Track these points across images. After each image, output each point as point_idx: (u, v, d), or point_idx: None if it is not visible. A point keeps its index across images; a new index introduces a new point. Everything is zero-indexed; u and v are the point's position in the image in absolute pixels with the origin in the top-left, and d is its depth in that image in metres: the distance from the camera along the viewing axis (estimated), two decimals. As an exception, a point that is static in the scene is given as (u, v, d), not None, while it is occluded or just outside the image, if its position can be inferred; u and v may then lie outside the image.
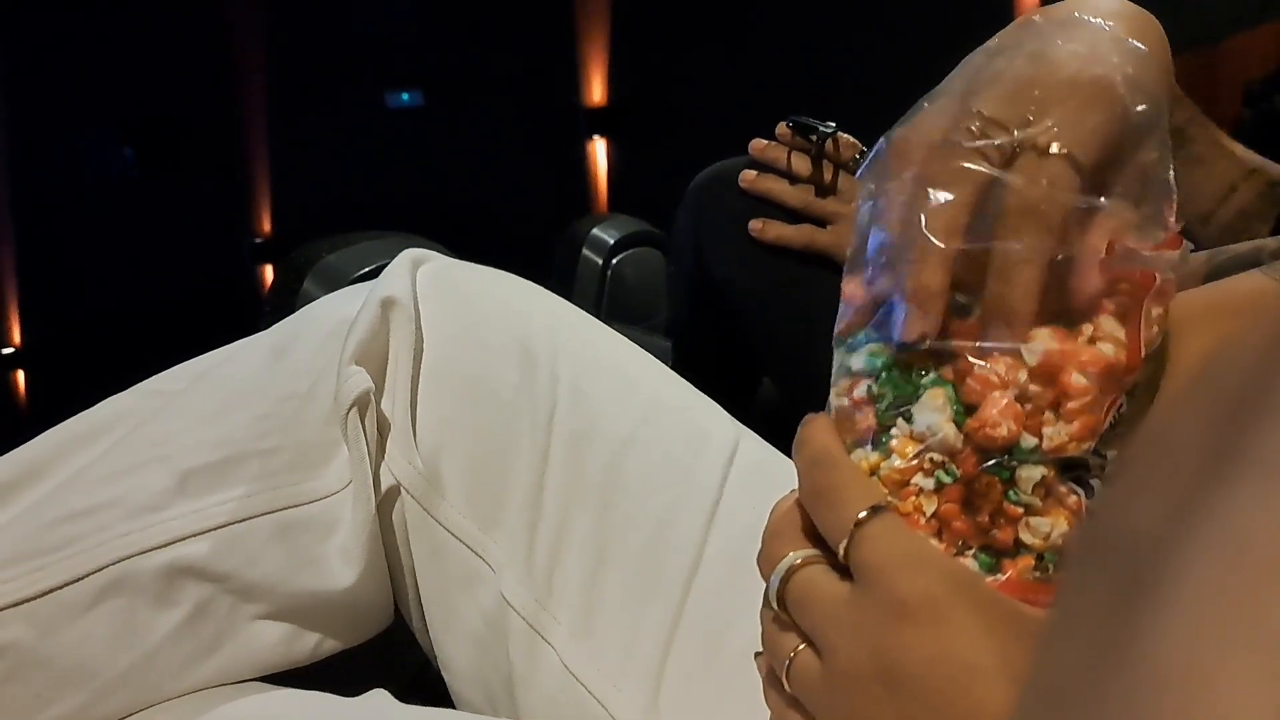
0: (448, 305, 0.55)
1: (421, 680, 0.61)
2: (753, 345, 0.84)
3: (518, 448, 0.51)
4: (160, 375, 0.56)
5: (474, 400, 0.52)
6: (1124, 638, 0.15)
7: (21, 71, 5.05)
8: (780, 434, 0.57)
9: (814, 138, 0.80)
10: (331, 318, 0.55)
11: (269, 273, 5.26)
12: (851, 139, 0.81)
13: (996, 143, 0.35)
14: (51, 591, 0.45)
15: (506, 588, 0.49)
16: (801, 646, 0.33)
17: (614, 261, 1.43)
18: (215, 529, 0.48)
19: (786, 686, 0.34)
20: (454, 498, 0.51)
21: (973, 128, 0.35)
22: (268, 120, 5.01)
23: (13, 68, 5.06)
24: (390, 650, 0.57)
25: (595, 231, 1.45)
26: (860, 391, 0.37)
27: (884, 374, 0.36)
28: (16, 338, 5.26)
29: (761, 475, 0.52)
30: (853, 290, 0.39)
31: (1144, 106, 0.35)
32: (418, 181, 4.51)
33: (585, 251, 1.42)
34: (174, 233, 5.09)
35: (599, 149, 4.17)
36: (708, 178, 0.86)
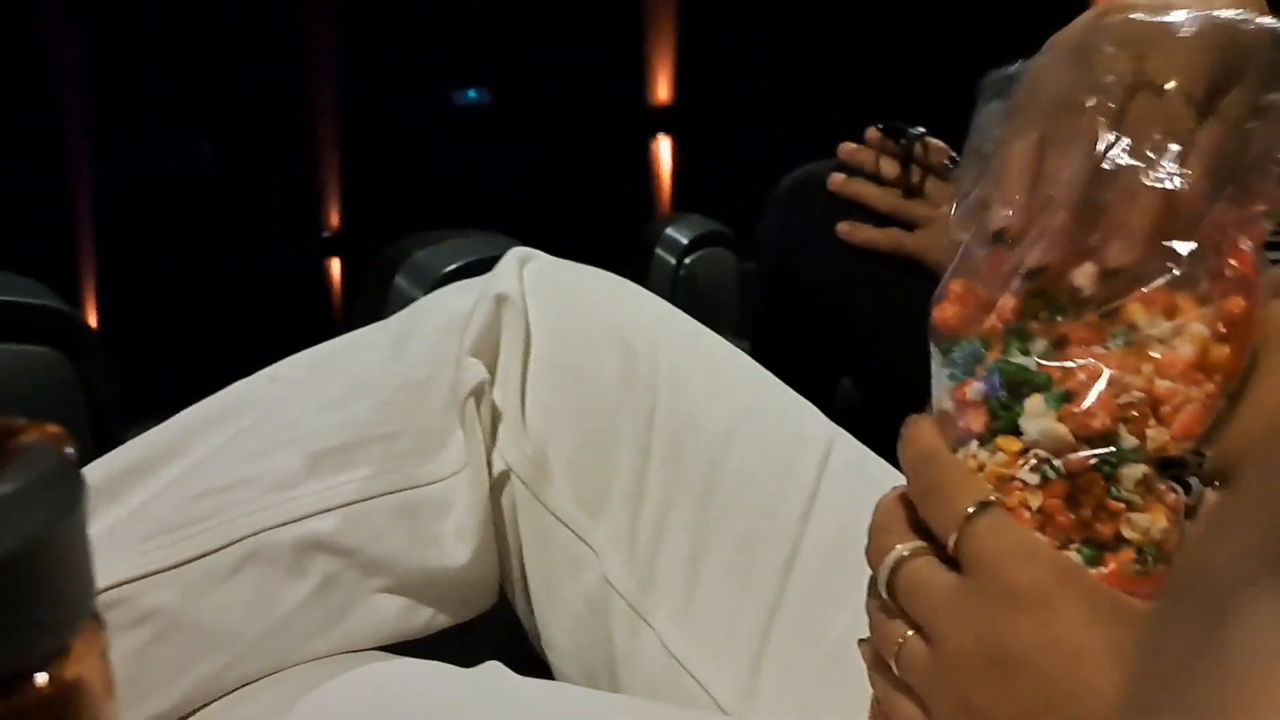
0: (553, 301, 0.57)
1: (516, 657, 0.64)
2: (834, 347, 0.86)
3: (620, 439, 0.54)
4: (280, 364, 0.60)
5: (579, 392, 0.55)
6: (1210, 648, 0.19)
7: (106, 67, 5.22)
8: (860, 434, 0.59)
9: (903, 141, 0.81)
10: (444, 312, 0.58)
11: (336, 266, 5.38)
12: (940, 143, 0.82)
13: (1110, 78, 0.38)
14: (195, 560, 0.49)
15: (610, 571, 0.52)
16: (910, 633, 0.35)
17: (686, 261, 1.45)
18: (342, 506, 0.51)
19: (895, 671, 0.36)
20: (560, 484, 0.54)
21: (1092, 73, 0.38)
22: (339, 117, 5.12)
23: (98, 63, 5.22)
24: (491, 627, 0.60)
25: (668, 231, 1.47)
26: (965, 393, 0.39)
27: (989, 376, 0.38)
28: (94, 324, 5.45)
29: (856, 474, 0.54)
30: (955, 292, 0.41)
31: (1250, 39, 0.38)
32: (482, 178, 4.57)
33: (658, 251, 1.44)
34: (247, 225, 5.23)
35: (663, 148, 4.20)
36: (795, 180, 0.88)
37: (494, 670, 0.48)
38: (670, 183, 4.18)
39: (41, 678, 0.19)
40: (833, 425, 0.57)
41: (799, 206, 0.86)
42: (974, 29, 3.11)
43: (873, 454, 0.57)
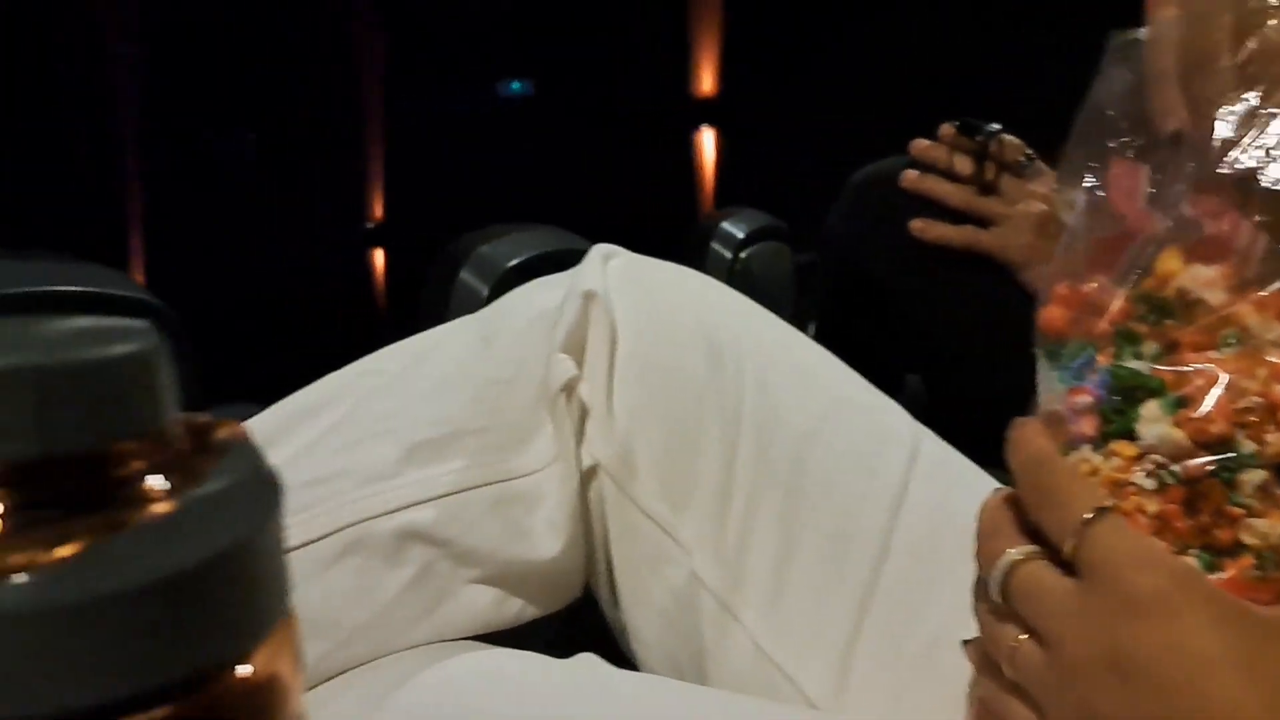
0: (639, 298, 0.58)
1: (597, 650, 0.65)
2: (902, 345, 0.86)
3: (707, 436, 0.54)
4: (371, 356, 0.61)
5: (664, 389, 0.56)
6: None
7: (158, 59, 5.30)
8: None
9: (979, 138, 0.81)
10: (531, 308, 0.59)
11: (380, 256, 5.44)
12: (1016, 140, 0.82)
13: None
14: (298, 548, 0.50)
15: (698, 567, 0.52)
16: (1023, 637, 0.36)
17: (742, 255, 1.45)
18: (439, 498, 0.52)
19: (1008, 674, 0.36)
20: (647, 480, 0.54)
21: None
22: (383, 109, 5.16)
23: (150, 55, 5.30)
24: (574, 620, 0.61)
25: (724, 225, 1.47)
26: (1076, 397, 0.39)
27: (1102, 380, 0.38)
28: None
29: (944, 473, 0.54)
30: (1060, 294, 0.41)
31: None
32: (525, 170, 4.59)
33: (713, 245, 1.44)
34: (291, 216, 5.29)
35: (707, 140, 4.19)
36: (865, 176, 0.88)
37: (589, 661, 0.49)
38: (714, 175, 4.17)
39: (244, 669, 0.20)
40: (918, 424, 0.58)
41: (869, 203, 0.86)
42: (1029, 22, 3.07)
43: (958, 453, 0.57)
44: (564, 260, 1.11)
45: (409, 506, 0.51)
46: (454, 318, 1.08)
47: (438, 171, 4.84)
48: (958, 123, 0.82)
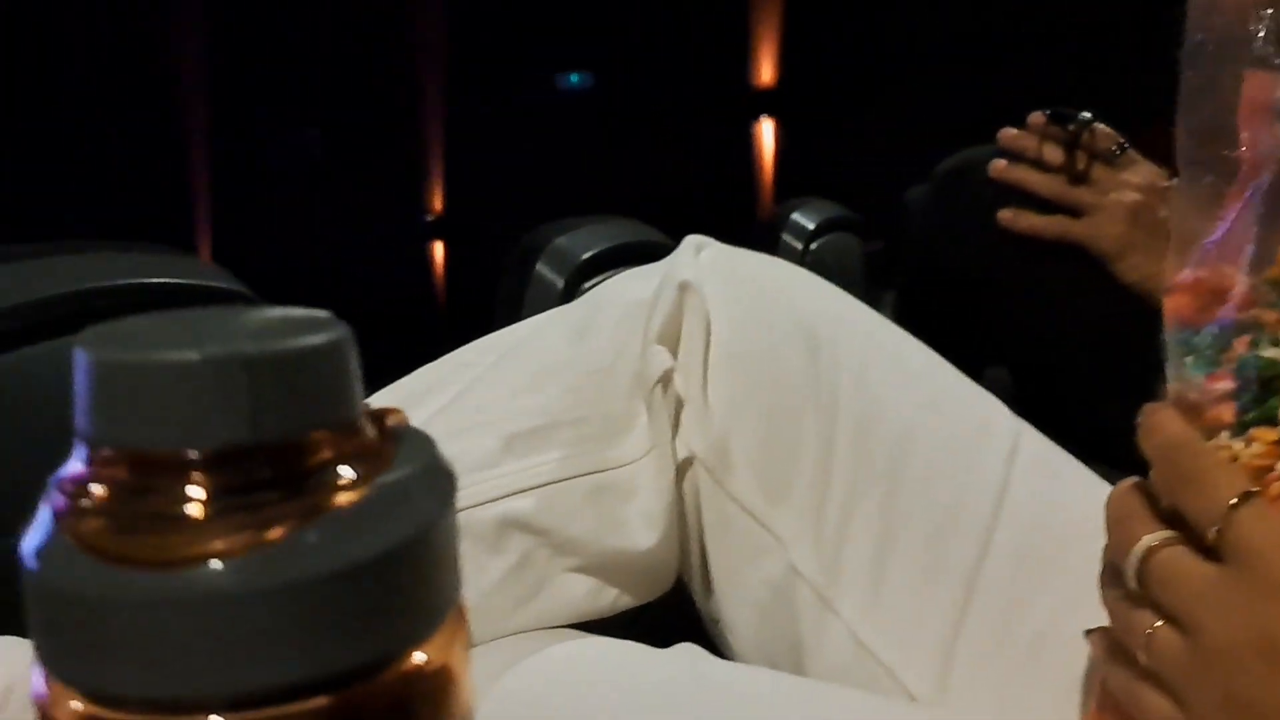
0: (733, 289, 0.58)
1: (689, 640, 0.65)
2: (988, 337, 0.85)
3: (803, 429, 0.54)
4: (467, 348, 0.62)
5: (760, 381, 0.56)
6: None
7: (223, 57, 5.40)
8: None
9: (1070, 127, 0.79)
10: (625, 299, 0.59)
11: (439, 249, 5.50)
12: (1108, 129, 0.80)
13: None
14: None
15: (796, 559, 0.52)
16: (1160, 624, 0.35)
17: (813, 246, 1.44)
18: (538, 487, 0.53)
19: (1143, 661, 0.36)
20: (742, 472, 0.54)
21: None
22: (444, 102, 5.21)
23: (216, 54, 5.41)
24: (665, 610, 0.61)
25: (795, 216, 1.46)
26: (1214, 384, 0.38)
27: (1239, 368, 0.37)
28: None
29: (1045, 468, 0.54)
30: (1185, 282, 0.40)
31: None
32: (585, 162, 4.61)
33: (784, 236, 1.44)
34: (353, 210, 5.37)
35: (766, 130, 4.17)
36: (951, 166, 0.87)
37: (691, 651, 0.49)
38: (773, 166, 4.15)
39: (420, 656, 0.20)
40: (1017, 418, 0.57)
41: (956, 193, 0.85)
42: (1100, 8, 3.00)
43: (1057, 447, 0.56)
44: (639, 253, 1.11)
45: (509, 496, 0.52)
46: (530, 310, 1.09)
47: (497, 164, 4.88)
48: (1048, 111, 0.81)
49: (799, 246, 1.42)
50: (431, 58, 5.20)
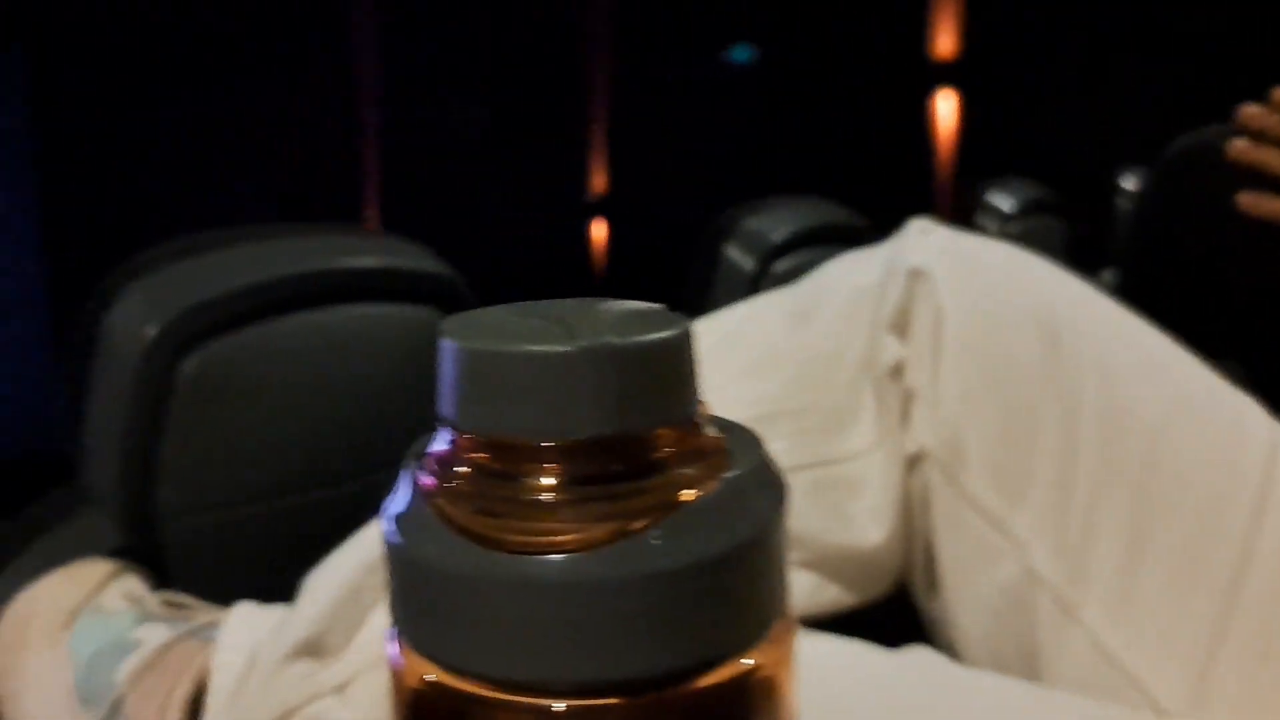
0: (966, 277, 0.55)
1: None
2: (1222, 326, 0.79)
3: (1043, 425, 0.52)
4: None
5: (996, 374, 0.53)
6: None
7: (396, 32, 5.60)
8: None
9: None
10: (847, 285, 0.58)
11: (600, 228, 5.57)
12: None
13: None
14: None
15: (1035, 562, 0.50)
16: None
17: (1011, 229, 1.38)
18: None
19: None
20: (977, 470, 0.52)
21: None
22: (609, 80, 5.25)
23: (388, 29, 5.61)
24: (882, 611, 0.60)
25: (991, 197, 1.41)
26: None
27: None
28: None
29: None
30: None
31: None
32: (752, 140, 4.56)
33: (978, 219, 1.38)
34: (517, 187, 5.49)
35: (946, 105, 4.01)
36: (1186, 146, 0.81)
37: (925, 654, 0.48)
38: (954, 142, 3.99)
39: (747, 661, 0.20)
40: (1275, 421, 0.53)
41: (1187, 175, 0.80)
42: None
43: None
44: (833, 235, 1.09)
45: None
46: (720, 292, 1.08)
47: (661, 142, 4.89)
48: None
49: (995, 229, 1.36)
50: (597, 36, 5.25)
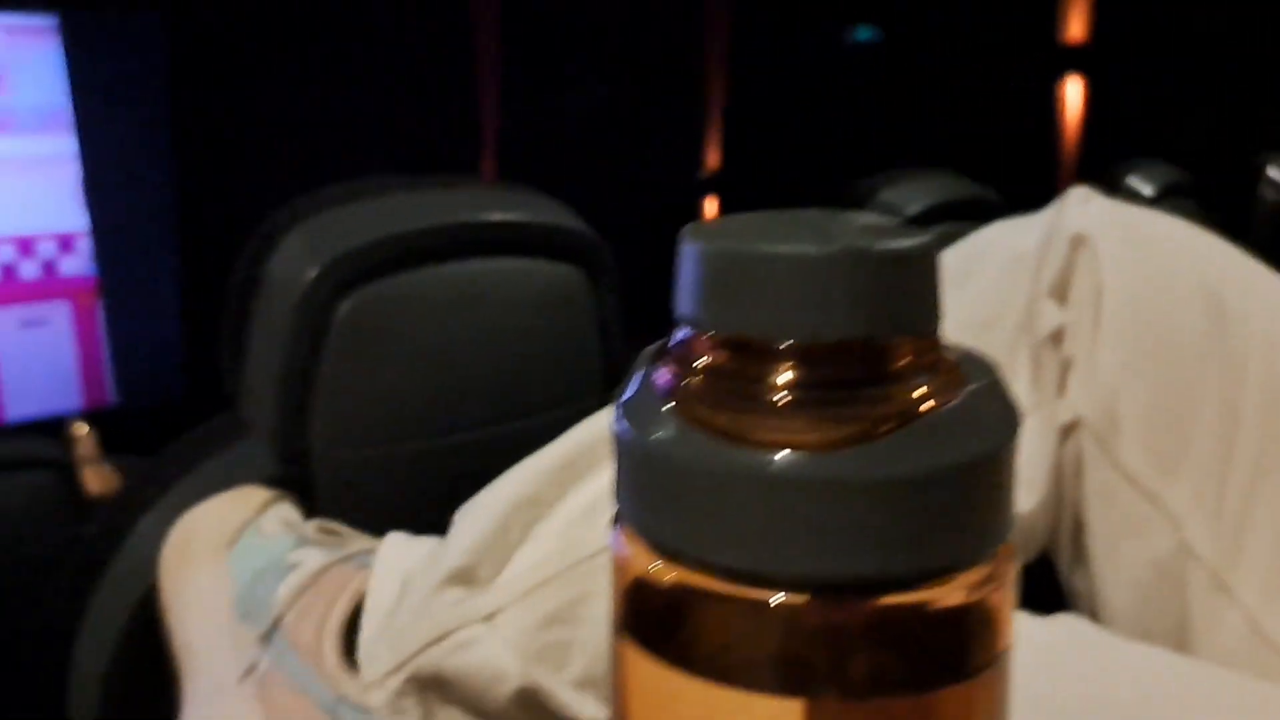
0: (1129, 246, 0.54)
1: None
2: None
3: (1204, 399, 0.50)
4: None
5: (1157, 345, 0.52)
6: None
7: (515, 8, 5.66)
8: None
9: None
10: (1005, 250, 0.57)
11: (711, 205, 5.55)
12: None
13: None
14: None
15: (1191, 537, 0.49)
16: None
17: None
18: None
19: None
20: (1132, 441, 0.51)
21: None
22: (727, 57, 5.22)
23: (509, 5, 5.68)
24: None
25: (1130, 180, 1.36)
26: None
27: None
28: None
29: None
30: None
31: None
32: (872, 121, 4.48)
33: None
34: (630, 163, 5.50)
35: (1073, 90, 3.87)
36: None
37: (1075, 620, 0.47)
38: (1079, 128, 3.85)
39: (973, 578, 0.20)
40: None
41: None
42: None
43: None
44: (969, 210, 1.07)
45: None
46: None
47: (777, 121, 4.84)
48: None
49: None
50: (717, 15, 5.21)
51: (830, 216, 0.20)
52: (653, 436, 0.19)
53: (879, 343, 0.19)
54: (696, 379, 0.19)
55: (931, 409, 0.19)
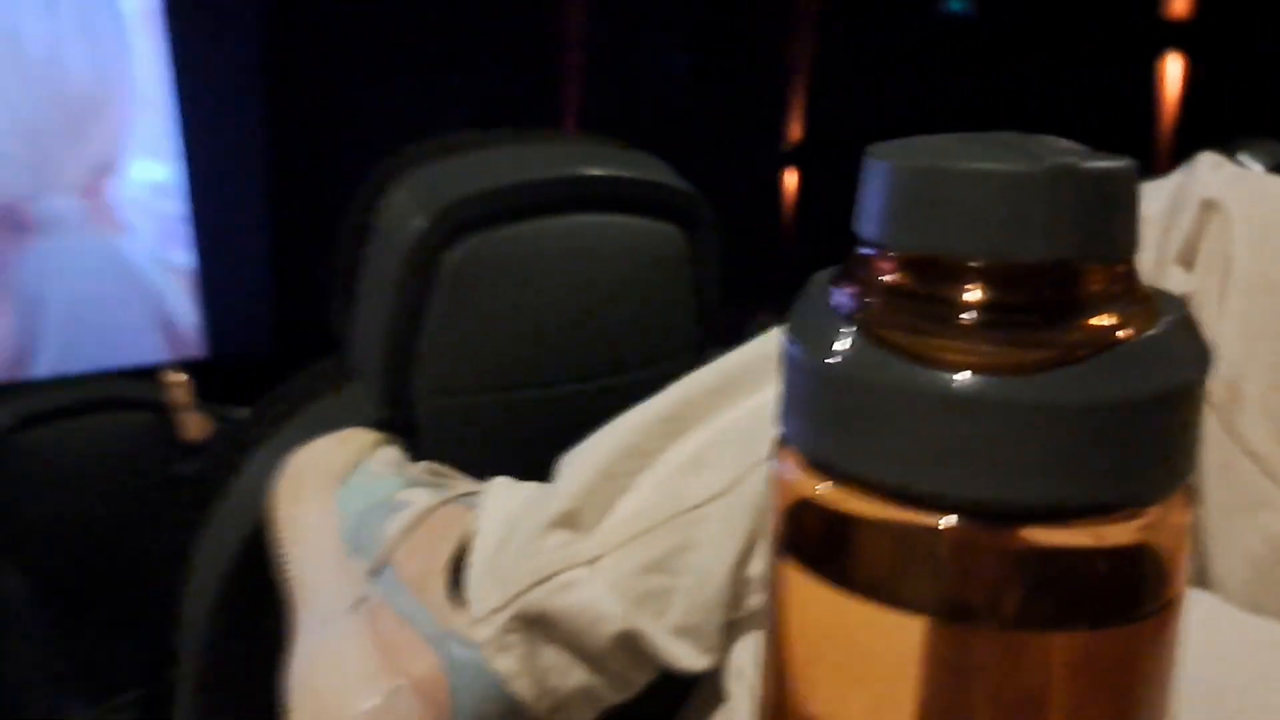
0: (1264, 213, 0.52)
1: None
2: None
3: None
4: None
5: None
6: None
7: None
8: None
9: None
10: None
11: (792, 178, 5.48)
12: None
13: None
14: None
15: None
16: None
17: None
18: None
19: None
20: (1254, 414, 0.49)
21: None
22: (815, 28, 5.13)
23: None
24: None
25: (1239, 157, 1.30)
26: None
27: None
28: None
29: None
30: None
31: None
32: (962, 96, 4.37)
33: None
34: (712, 133, 5.46)
35: (1173, 67, 3.73)
36: None
37: (1196, 593, 0.46)
38: (1177, 107, 3.71)
39: (1154, 514, 0.20)
40: None
41: None
42: None
43: None
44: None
45: None
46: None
47: (864, 93, 4.75)
48: None
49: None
50: (805, -17, 5.12)
51: (1026, 138, 0.20)
52: (832, 355, 0.19)
53: (1075, 267, 0.18)
54: (879, 299, 0.19)
55: (1128, 337, 0.18)
